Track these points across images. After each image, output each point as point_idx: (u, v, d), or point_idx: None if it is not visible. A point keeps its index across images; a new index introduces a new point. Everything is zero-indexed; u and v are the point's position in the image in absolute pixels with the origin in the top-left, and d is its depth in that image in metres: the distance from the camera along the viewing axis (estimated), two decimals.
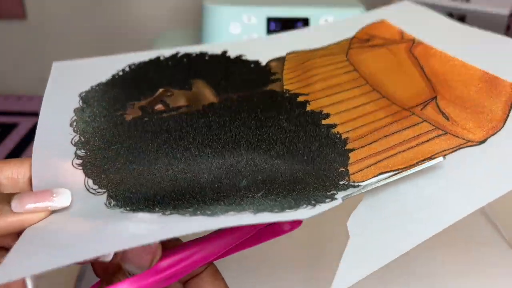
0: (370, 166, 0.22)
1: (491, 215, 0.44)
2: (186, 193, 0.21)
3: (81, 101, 0.26)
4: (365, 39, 0.30)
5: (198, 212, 0.19)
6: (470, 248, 0.37)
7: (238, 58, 0.30)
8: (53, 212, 0.20)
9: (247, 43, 0.31)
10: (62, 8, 0.85)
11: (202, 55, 0.30)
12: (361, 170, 0.22)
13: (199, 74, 0.28)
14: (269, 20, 0.47)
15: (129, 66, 0.28)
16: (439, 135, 0.23)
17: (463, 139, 0.23)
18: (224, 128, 0.24)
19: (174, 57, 0.29)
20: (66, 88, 0.27)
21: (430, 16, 0.31)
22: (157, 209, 0.20)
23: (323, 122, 0.25)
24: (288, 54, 0.30)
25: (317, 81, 0.27)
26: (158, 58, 0.29)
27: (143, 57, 0.29)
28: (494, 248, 0.37)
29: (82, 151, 0.24)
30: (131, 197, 0.21)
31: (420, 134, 0.24)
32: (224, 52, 0.30)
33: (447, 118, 0.24)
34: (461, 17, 0.64)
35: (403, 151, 0.23)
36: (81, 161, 0.23)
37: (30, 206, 0.19)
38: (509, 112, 0.24)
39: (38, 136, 0.23)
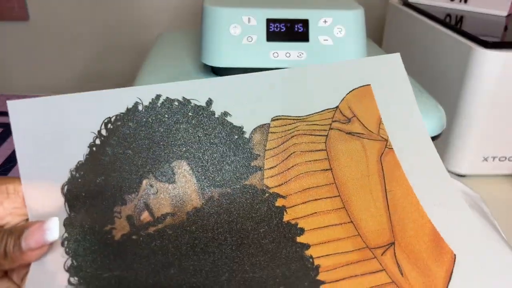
0: None
1: (491, 215, 0.45)
2: None
3: (67, 206, 0.26)
4: (346, 118, 0.31)
5: None
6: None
7: (224, 119, 0.30)
8: None
9: (234, 93, 0.30)
10: (64, 10, 0.85)
11: (184, 104, 0.29)
12: None
13: (181, 146, 0.28)
14: (269, 21, 0.47)
15: (106, 128, 0.28)
16: None
17: None
18: (207, 250, 0.26)
19: (153, 107, 0.28)
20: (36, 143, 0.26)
21: (401, 89, 0.32)
22: None
23: (298, 239, 0.27)
24: (273, 119, 0.30)
25: (294, 179, 0.29)
26: (136, 108, 0.28)
27: (118, 97, 0.28)
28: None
29: (75, 278, 0.25)
30: None
31: (380, 285, 0.27)
32: (209, 103, 0.30)
33: (401, 272, 0.27)
34: (459, 19, 0.64)
35: None
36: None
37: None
38: (448, 283, 0.28)
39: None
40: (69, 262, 0.25)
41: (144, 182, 0.27)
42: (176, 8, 0.87)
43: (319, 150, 0.30)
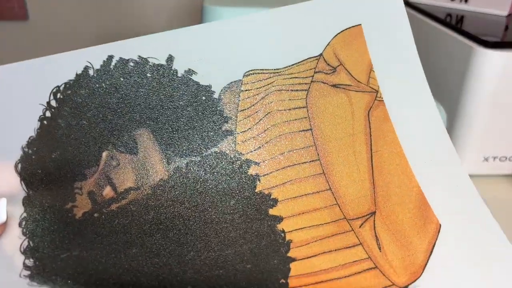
0: (308, 285, 0.23)
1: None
2: None
3: (24, 185, 0.25)
4: (331, 68, 0.27)
5: None
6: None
7: (189, 78, 0.27)
8: None
9: (198, 47, 0.27)
10: (64, 10, 0.85)
11: (141, 64, 0.27)
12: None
13: (141, 112, 0.26)
14: None
15: (56, 98, 0.25)
16: (370, 269, 0.24)
17: (389, 280, 0.24)
18: (172, 227, 0.24)
19: (106, 70, 0.26)
20: None
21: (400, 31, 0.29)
22: None
23: (270, 211, 0.25)
24: (246, 75, 0.27)
25: (270, 142, 0.26)
26: (86, 73, 0.26)
27: (65, 62, 0.25)
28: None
29: (31, 260, 0.23)
30: None
31: (355, 261, 0.24)
32: (170, 61, 0.27)
33: (379, 246, 0.25)
34: (460, 18, 0.64)
35: (338, 278, 0.23)
36: (29, 272, 0.23)
37: None
38: (429, 257, 0.25)
39: None
40: (25, 244, 0.24)
41: (104, 154, 0.25)
42: (175, 8, 0.87)
43: (298, 108, 0.27)
